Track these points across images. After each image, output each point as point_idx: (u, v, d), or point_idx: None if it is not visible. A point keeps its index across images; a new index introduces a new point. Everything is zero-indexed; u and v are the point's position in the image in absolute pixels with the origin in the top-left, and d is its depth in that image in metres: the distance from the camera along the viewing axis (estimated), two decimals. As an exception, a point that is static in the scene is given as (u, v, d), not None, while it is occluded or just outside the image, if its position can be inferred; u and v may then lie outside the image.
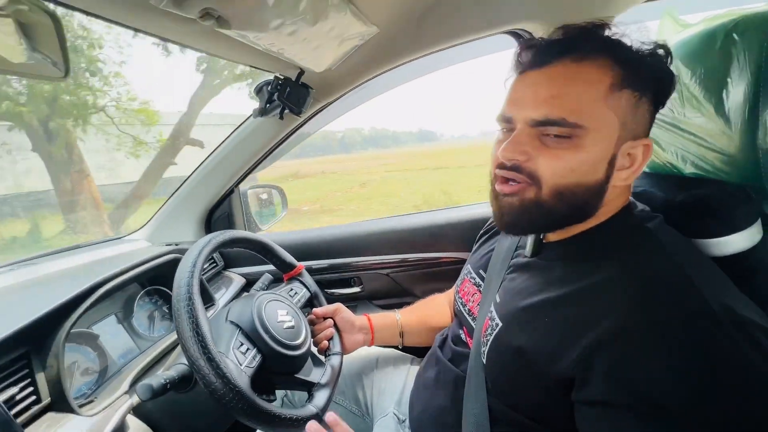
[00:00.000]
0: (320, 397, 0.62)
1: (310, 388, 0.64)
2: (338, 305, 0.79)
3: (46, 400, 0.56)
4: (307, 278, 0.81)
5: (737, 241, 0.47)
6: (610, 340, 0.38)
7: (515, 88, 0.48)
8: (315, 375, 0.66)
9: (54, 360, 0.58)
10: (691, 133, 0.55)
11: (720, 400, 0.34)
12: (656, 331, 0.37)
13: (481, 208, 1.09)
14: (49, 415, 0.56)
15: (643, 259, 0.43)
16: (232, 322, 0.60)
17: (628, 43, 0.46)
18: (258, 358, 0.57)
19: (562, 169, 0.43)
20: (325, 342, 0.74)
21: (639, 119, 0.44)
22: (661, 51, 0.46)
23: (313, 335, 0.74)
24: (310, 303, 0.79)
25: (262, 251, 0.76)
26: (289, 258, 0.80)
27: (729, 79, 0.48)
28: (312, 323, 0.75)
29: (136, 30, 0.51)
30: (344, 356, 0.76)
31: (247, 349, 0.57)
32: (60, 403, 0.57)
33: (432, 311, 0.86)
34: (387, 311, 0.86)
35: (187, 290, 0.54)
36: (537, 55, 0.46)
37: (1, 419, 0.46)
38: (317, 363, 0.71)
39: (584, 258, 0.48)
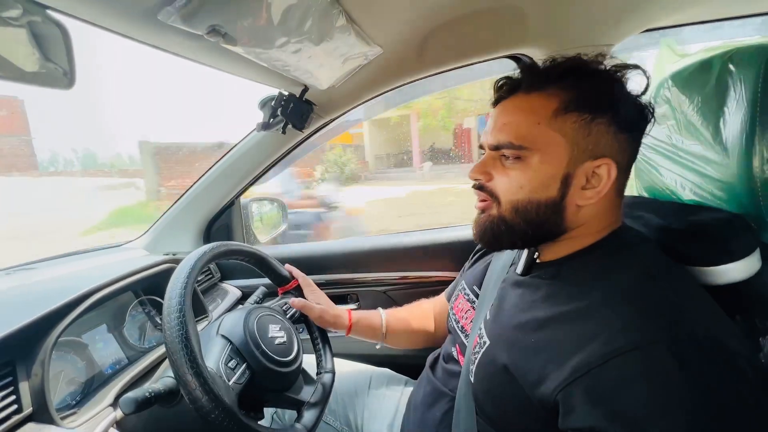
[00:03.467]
0: (309, 416, 0.61)
1: (299, 406, 0.62)
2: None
3: (28, 410, 0.55)
4: (302, 293, 0.80)
5: (734, 270, 0.46)
6: (595, 365, 0.38)
7: (488, 121, 0.53)
8: (305, 393, 0.65)
9: (39, 369, 0.57)
10: (689, 160, 0.55)
11: (703, 428, 0.33)
12: (640, 355, 0.36)
13: None
14: (30, 425, 0.54)
15: (632, 283, 0.43)
16: (223, 336, 0.59)
17: (594, 69, 0.48)
18: (247, 374, 0.56)
19: (512, 185, 0.48)
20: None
21: (595, 139, 0.45)
22: (620, 74, 0.47)
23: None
24: (304, 318, 0.78)
25: (258, 264, 0.75)
26: (285, 272, 0.79)
27: (726, 108, 0.49)
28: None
29: (144, 44, 0.53)
30: (337, 375, 0.74)
31: (237, 364, 0.56)
32: (41, 414, 0.56)
33: (416, 315, 0.86)
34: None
35: (178, 302, 0.52)
36: (499, 91, 0.52)
37: None
38: (308, 381, 0.70)
39: (574, 279, 0.48)
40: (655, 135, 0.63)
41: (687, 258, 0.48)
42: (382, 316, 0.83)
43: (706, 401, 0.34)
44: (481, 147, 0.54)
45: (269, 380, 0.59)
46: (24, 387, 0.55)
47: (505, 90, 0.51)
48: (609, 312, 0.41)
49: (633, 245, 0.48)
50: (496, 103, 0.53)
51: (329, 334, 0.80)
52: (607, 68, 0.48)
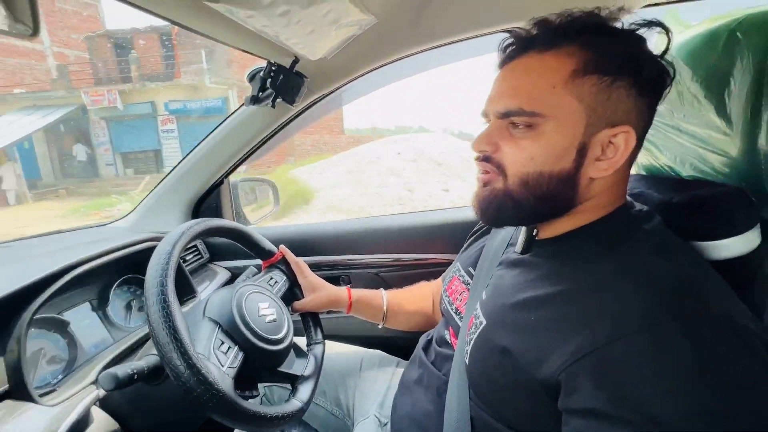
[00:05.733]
0: (304, 390, 0.61)
1: (293, 381, 0.62)
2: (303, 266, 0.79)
3: (4, 386, 0.53)
4: (287, 266, 0.78)
5: (735, 245, 0.45)
6: (602, 344, 0.36)
7: (492, 85, 0.49)
8: (298, 367, 0.64)
9: (15, 345, 0.54)
10: (691, 134, 0.54)
11: (718, 411, 0.32)
12: (652, 333, 0.35)
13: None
14: (6, 402, 0.53)
15: (639, 260, 0.41)
16: (210, 319, 0.57)
17: (613, 26, 0.44)
18: (240, 356, 0.54)
19: (522, 157, 0.44)
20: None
21: (614, 105, 0.42)
22: (642, 30, 0.44)
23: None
24: (291, 291, 0.77)
25: (239, 238, 0.73)
26: (268, 245, 0.77)
27: (731, 79, 0.47)
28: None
29: (128, 4, 0.49)
30: (328, 356, 0.73)
31: (229, 348, 0.54)
32: (19, 391, 0.54)
33: (416, 296, 0.85)
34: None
35: (160, 290, 0.49)
36: (507, 50, 0.47)
37: None
38: (299, 354, 0.69)
39: (577, 256, 0.46)
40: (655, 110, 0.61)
41: (688, 232, 0.47)
42: (384, 296, 0.81)
43: (721, 383, 0.32)
44: (484, 116, 0.49)
45: (263, 359, 0.58)
46: None
47: (515, 48, 0.46)
48: (617, 288, 0.39)
49: (641, 220, 0.46)
50: (502, 64, 0.47)
51: (324, 316, 0.79)
52: (627, 25, 0.44)
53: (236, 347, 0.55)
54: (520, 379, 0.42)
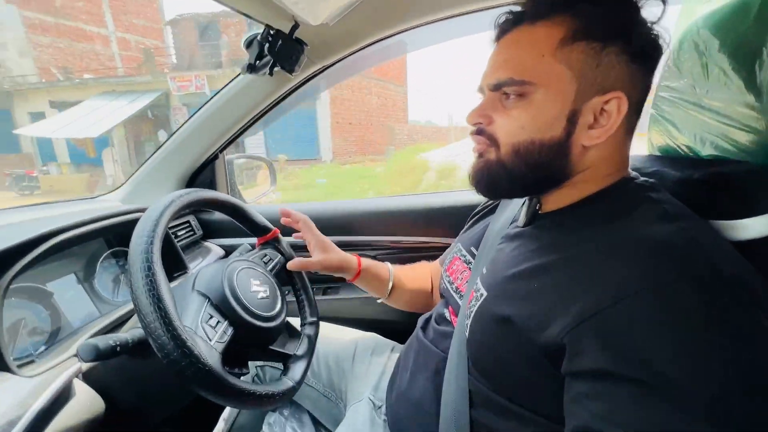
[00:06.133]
0: (296, 369, 0.59)
1: (285, 360, 0.60)
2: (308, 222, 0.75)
3: None
4: (283, 243, 0.75)
5: (757, 226, 0.42)
6: (606, 305, 0.35)
7: (488, 61, 0.49)
8: (290, 347, 0.62)
9: None
10: (714, 111, 0.50)
11: (727, 367, 0.31)
12: (661, 294, 0.33)
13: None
14: None
15: (645, 225, 0.40)
16: (199, 292, 0.54)
17: None
18: (230, 331, 0.52)
19: (512, 126, 0.45)
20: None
21: (605, 71, 0.42)
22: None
23: None
24: (286, 270, 0.74)
25: (233, 213, 0.70)
26: (263, 221, 0.74)
27: (764, 50, 0.44)
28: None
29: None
30: (322, 339, 0.71)
31: (218, 322, 0.51)
32: None
33: (419, 275, 0.83)
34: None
35: (145, 258, 0.46)
36: (502, 25, 0.48)
37: None
38: (293, 334, 0.67)
39: (581, 226, 0.45)
40: (675, 87, 0.58)
41: (708, 211, 0.44)
42: (390, 269, 0.79)
43: (731, 340, 0.31)
44: (479, 91, 0.50)
45: (253, 336, 0.56)
46: None
47: (508, 23, 0.46)
48: (623, 252, 0.38)
49: (647, 189, 0.44)
50: (497, 39, 0.48)
51: (319, 297, 0.77)
52: None
53: (225, 322, 0.52)
54: (522, 347, 0.41)
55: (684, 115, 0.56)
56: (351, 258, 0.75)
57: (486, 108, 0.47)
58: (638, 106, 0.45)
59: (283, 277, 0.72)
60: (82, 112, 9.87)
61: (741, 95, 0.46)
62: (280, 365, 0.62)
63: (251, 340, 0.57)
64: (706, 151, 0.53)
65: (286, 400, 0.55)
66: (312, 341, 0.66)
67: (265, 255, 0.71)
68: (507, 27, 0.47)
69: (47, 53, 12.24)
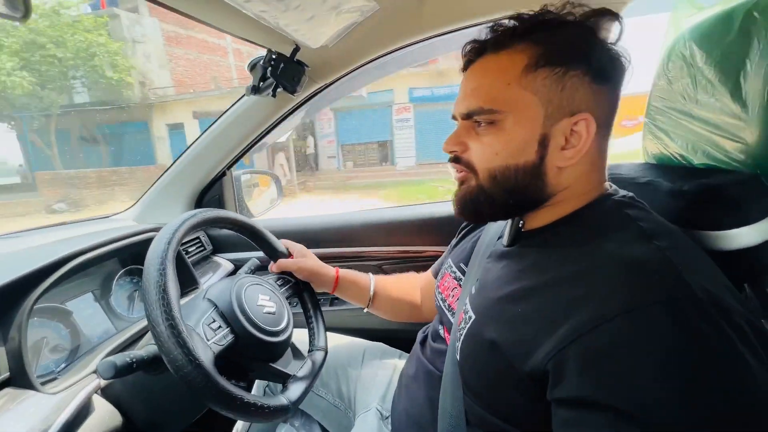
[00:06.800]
0: (294, 389, 0.58)
1: (285, 379, 0.59)
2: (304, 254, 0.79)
3: (5, 374, 0.53)
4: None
5: (747, 235, 0.43)
6: (585, 330, 0.35)
7: (459, 88, 0.51)
8: (293, 367, 0.62)
9: (16, 332, 0.54)
10: (704, 121, 0.52)
11: (705, 394, 0.31)
12: (634, 318, 0.34)
13: None
14: (8, 390, 0.53)
15: (621, 245, 0.41)
16: (208, 300, 0.57)
17: (562, 20, 0.45)
18: (230, 338, 0.54)
19: (487, 153, 0.46)
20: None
21: (570, 94, 0.43)
22: (591, 21, 0.45)
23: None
24: (299, 295, 0.75)
25: (252, 236, 0.72)
26: (281, 246, 0.76)
27: (747, 61, 0.45)
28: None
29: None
30: (330, 349, 0.72)
31: (219, 327, 0.54)
32: (20, 379, 0.54)
33: (404, 285, 0.85)
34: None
35: (161, 255, 0.49)
36: (467, 55, 0.49)
37: None
38: (297, 356, 0.67)
39: (561, 245, 0.46)
40: (667, 97, 0.59)
41: (699, 222, 0.45)
42: (371, 279, 0.81)
43: (704, 361, 0.32)
44: (453, 118, 0.51)
45: (254, 348, 0.57)
46: (0, 351, 0.53)
47: (472, 52, 0.48)
48: (600, 275, 0.39)
49: (625, 206, 0.45)
50: (465, 68, 0.49)
51: (326, 308, 0.78)
52: (577, 17, 0.45)
53: (227, 329, 0.54)
54: (510, 372, 0.42)
55: (676, 125, 0.57)
56: (327, 267, 0.78)
57: (460, 135, 0.49)
58: (608, 121, 0.46)
59: (296, 302, 0.74)
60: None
61: (728, 105, 0.47)
62: (281, 386, 0.62)
63: (252, 352, 0.57)
64: (699, 159, 0.54)
65: (277, 417, 0.53)
66: (316, 368, 0.64)
67: (279, 278, 0.73)
68: (473, 57, 0.48)
69: (180, 65, 12.66)
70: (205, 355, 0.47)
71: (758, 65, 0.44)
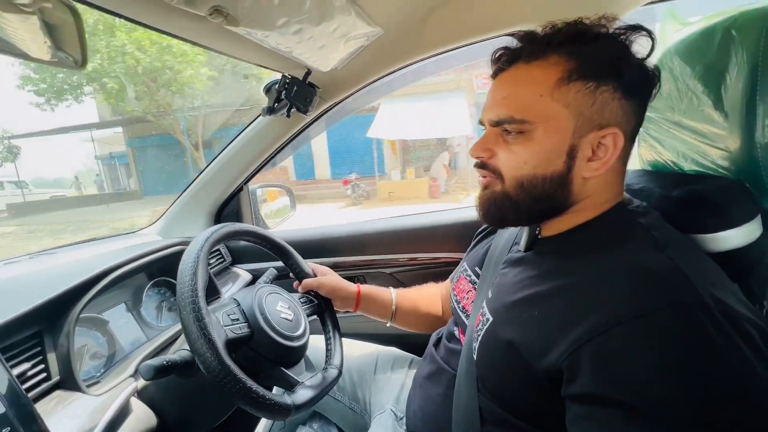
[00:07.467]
0: (301, 394, 0.58)
1: (293, 385, 0.60)
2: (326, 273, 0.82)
3: (56, 377, 0.59)
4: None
5: (733, 237, 0.46)
6: (599, 332, 0.38)
7: (487, 95, 0.52)
8: (303, 378, 0.62)
9: (65, 340, 0.60)
10: (691, 130, 0.55)
11: (710, 394, 0.33)
12: (645, 321, 0.36)
13: None
14: (58, 392, 0.59)
15: (634, 253, 0.43)
16: (233, 299, 0.63)
17: (596, 33, 0.46)
18: (245, 330, 0.58)
19: (516, 161, 0.47)
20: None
21: (600, 109, 0.44)
22: (624, 36, 0.45)
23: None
24: (320, 315, 0.79)
25: (279, 254, 0.77)
26: (307, 268, 0.80)
27: (727, 75, 0.48)
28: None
29: (147, 27, 0.54)
30: (344, 354, 0.74)
31: (237, 319, 0.59)
32: (69, 382, 0.60)
33: (425, 297, 0.87)
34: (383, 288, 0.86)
35: (197, 254, 0.57)
36: (498, 62, 0.50)
37: (13, 392, 0.49)
38: (310, 368, 0.68)
39: (577, 252, 0.48)
40: (657, 107, 0.62)
41: (688, 226, 0.48)
42: (393, 294, 0.83)
43: (711, 365, 0.34)
44: (481, 123, 0.53)
45: (267, 346, 0.60)
46: (51, 357, 0.59)
47: (504, 60, 0.49)
48: (615, 280, 0.41)
49: (639, 215, 0.47)
50: (495, 75, 0.51)
51: (341, 315, 0.81)
52: (610, 32, 0.46)
53: (245, 323, 0.59)
54: (526, 371, 0.44)
55: (666, 133, 0.60)
56: (349, 283, 0.81)
57: (488, 142, 0.49)
58: (633, 137, 0.47)
59: (317, 322, 0.78)
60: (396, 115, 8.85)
61: (711, 116, 0.51)
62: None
63: (264, 350, 0.60)
64: (689, 166, 0.57)
65: (275, 413, 0.53)
66: (327, 381, 0.64)
67: (303, 296, 0.77)
68: (504, 65, 0.49)
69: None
70: (218, 335, 0.52)
71: (736, 79, 0.47)
